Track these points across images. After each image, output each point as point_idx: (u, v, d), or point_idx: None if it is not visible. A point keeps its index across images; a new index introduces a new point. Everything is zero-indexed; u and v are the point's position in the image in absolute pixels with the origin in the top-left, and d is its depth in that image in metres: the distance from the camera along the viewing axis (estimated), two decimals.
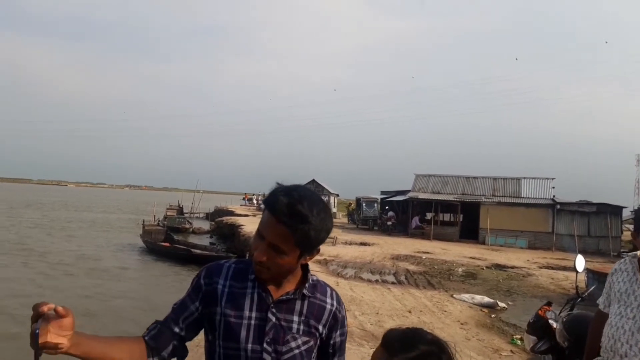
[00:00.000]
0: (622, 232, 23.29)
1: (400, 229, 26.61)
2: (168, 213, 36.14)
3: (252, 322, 1.28)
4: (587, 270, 11.70)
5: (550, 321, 4.03)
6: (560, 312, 4.09)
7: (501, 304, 9.61)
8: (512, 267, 15.38)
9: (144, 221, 26.12)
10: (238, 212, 38.06)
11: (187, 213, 40.10)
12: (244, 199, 63.15)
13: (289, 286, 1.34)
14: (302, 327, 1.32)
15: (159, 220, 30.42)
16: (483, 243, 23.30)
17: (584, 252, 21.13)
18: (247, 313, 1.29)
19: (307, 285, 1.34)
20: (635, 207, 30.25)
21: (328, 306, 1.36)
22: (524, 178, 26.07)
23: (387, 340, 1.10)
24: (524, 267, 15.42)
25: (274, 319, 1.29)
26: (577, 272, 4.14)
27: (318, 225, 1.22)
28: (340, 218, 40.61)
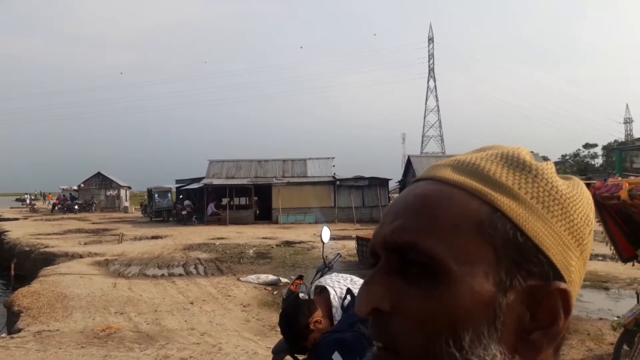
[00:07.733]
0: (389, 201, 27.08)
1: (199, 217, 26.17)
2: None
3: None
4: (357, 238, 13.21)
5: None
6: (311, 284, 4.40)
7: (284, 280, 10.12)
8: (300, 242, 16.48)
9: None
10: (5, 215, 32.69)
11: None
12: (17, 199, 54.68)
13: None
14: None
15: None
16: (276, 222, 24.46)
17: (360, 222, 24.11)
18: None
19: None
20: (400, 179, 35.35)
21: None
22: (309, 159, 28.13)
23: None
24: (310, 241, 16.65)
25: None
26: (323, 242, 4.51)
27: None
28: (133, 212, 38.08)
